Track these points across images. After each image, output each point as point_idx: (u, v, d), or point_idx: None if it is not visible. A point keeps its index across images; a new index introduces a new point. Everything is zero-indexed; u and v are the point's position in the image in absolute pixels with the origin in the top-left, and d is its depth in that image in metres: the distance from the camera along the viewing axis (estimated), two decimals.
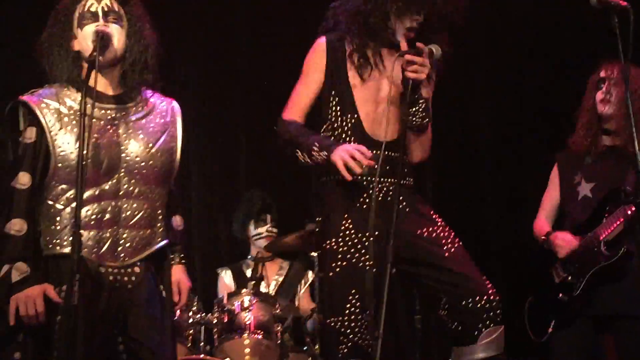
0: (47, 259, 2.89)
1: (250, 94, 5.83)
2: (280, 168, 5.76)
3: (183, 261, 3.19)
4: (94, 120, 2.79)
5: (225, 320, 4.38)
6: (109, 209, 2.91)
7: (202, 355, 4.32)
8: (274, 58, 5.74)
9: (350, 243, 3.19)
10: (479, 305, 3.08)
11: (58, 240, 2.87)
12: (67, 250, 2.82)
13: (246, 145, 5.83)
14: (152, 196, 3.00)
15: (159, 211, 3.03)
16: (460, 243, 3.23)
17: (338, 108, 3.30)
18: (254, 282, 4.53)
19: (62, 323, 2.70)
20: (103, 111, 2.93)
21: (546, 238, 3.87)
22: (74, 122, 2.88)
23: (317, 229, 3.34)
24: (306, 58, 3.40)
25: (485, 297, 3.09)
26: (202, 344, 4.43)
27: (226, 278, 5.19)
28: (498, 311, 3.11)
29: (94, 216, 2.88)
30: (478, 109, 5.91)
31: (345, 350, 3.10)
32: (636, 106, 3.36)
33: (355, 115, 3.27)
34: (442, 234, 3.21)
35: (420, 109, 3.19)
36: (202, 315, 4.41)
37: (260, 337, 4.37)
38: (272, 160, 5.78)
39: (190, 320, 4.36)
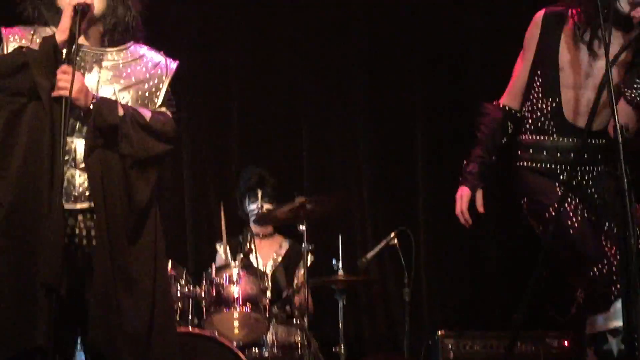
0: None
1: (244, 67, 5.77)
2: (272, 143, 5.73)
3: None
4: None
5: (214, 293, 4.35)
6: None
7: (190, 328, 4.30)
8: (269, 31, 5.70)
9: (573, 204, 3.18)
10: None
11: None
12: None
13: (238, 120, 5.76)
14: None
15: None
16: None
17: (540, 90, 3.22)
18: (242, 255, 4.48)
19: None
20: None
21: None
22: None
23: (525, 205, 3.33)
24: (526, 32, 3.30)
25: None
26: (191, 317, 4.40)
27: (223, 252, 5.12)
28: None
29: None
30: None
31: (616, 292, 3.02)
32: None
33: (557, 100, 3.19)
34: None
35: None
36: (191, 288, 4.38)
37: (248, 310, 4.35)
38: (264, 135, 5.75)
39: (179, 294, 4.33)
